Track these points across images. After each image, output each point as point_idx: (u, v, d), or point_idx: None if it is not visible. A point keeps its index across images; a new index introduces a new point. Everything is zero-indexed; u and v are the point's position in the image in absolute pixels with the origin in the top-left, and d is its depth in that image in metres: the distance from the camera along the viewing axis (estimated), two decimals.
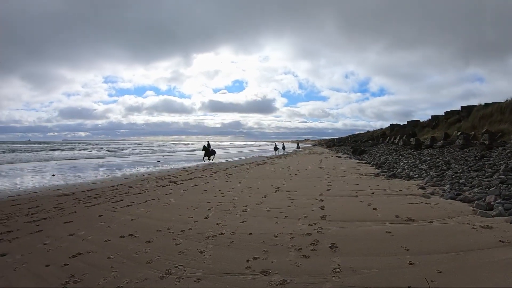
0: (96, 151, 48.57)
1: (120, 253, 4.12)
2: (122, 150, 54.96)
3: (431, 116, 29.65)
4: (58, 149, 47.57)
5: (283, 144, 44.18)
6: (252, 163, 21.56)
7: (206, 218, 5.86)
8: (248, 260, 3.71)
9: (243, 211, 6.27)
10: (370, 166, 14.72)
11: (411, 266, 3.34)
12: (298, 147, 56.02)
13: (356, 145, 38.04)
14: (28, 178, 14.08)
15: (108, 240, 4.70)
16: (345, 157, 23.64)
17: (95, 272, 3.56)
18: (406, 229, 4.61)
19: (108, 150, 51.98)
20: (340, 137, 79.06)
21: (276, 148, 41.04)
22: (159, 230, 5.12)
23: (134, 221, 5.83)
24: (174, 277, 3.37)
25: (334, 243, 4.14)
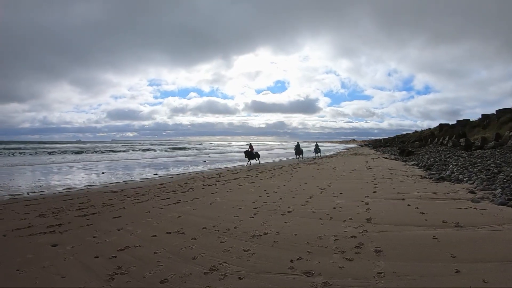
0: (163, 151, 48.43)
1: (166, 249, 4.31)
2: (186, 149, 55.18)
3: (482, 115, 27.88)
4: (111, 151, 47.96)
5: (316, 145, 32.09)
6: (298, 163, 21.52)
7: (251, 217, 5.92)
8: (291, 261, 3.73)
9: (288, 212, 6.26)
10: (418, 168, 14.02)
11: (456, 274, 3.19)
12: (316, 150, 31.11)
13: (403, 146, 36.33)
14: (79, 175, 15.04)
15: (155, 236, 4.92)
16: (392, 159, 22.62)
17: (142, 265, 3.75)
18: (453, 235, 4.39)
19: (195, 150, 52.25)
20: (387, 137, 75.96)
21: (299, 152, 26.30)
22: (205, 228, 5.27)
23: (180, 218, 6.05)
24: (218, 274, 3.46)
25: (378, 247, 4.05)
